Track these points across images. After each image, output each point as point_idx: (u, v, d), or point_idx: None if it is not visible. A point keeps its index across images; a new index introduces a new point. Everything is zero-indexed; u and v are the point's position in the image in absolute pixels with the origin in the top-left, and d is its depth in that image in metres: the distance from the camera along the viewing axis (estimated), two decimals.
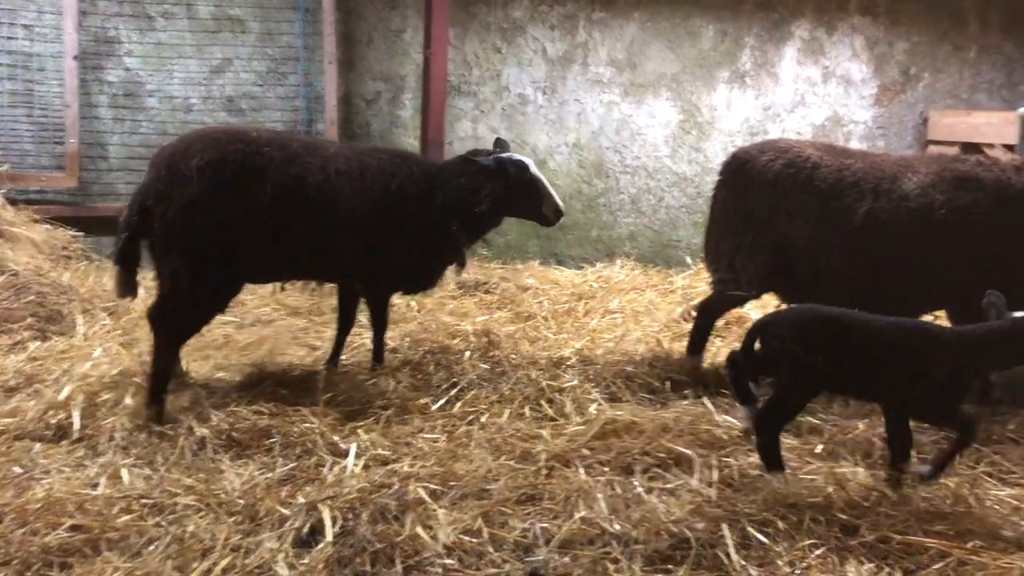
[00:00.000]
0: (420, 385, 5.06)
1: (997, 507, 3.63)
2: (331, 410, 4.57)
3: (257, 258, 4.69)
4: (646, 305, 7.36)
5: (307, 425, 4.32)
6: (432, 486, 3.71)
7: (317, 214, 4.77)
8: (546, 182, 5.23)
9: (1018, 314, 3.74)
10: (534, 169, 5.20)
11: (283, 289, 5.74)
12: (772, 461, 3.80)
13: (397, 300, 7.18)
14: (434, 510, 3.51)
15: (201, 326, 4.82)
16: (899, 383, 3.76)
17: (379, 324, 5.44)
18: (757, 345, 3.86)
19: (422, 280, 5.45)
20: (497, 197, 5.05)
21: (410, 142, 8.48)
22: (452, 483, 3.76)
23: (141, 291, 4.77)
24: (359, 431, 4.31)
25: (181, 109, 8.12)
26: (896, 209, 4.97)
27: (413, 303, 7.17)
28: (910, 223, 4.92)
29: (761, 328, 3.88)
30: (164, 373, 4.55)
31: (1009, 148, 8.17)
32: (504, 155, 5.15)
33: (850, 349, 3.74)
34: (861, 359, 3.75)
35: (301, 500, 3.55)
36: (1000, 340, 3.70)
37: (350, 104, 8.51)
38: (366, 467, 3.93)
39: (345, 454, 4.03)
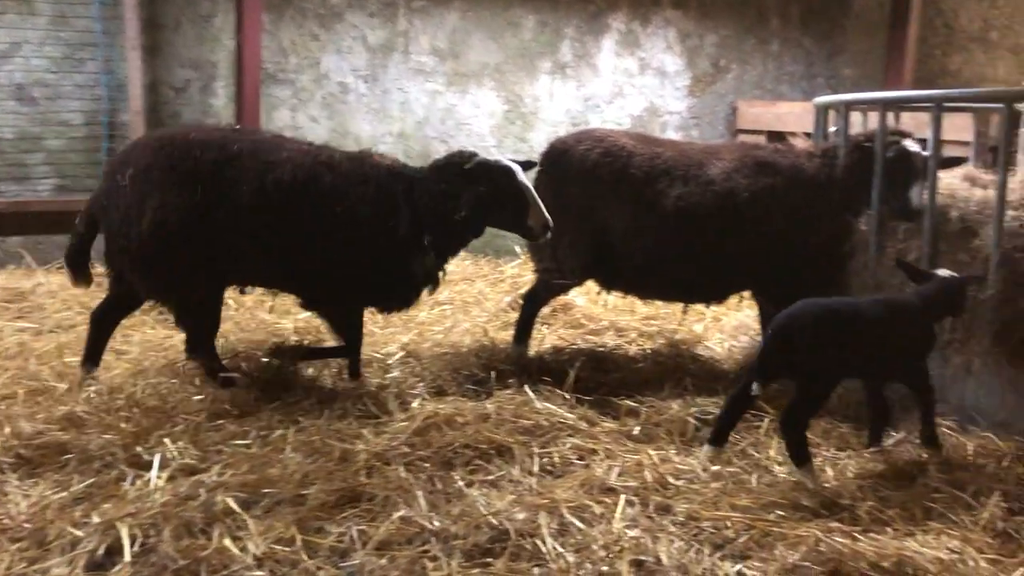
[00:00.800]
0: (235, 388, 4.82)
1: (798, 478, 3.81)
2: (136, 419, 4.27)
3: (203, 262, 4.69)
4: (476, 295, 7.36)
5: (107, 437, 4.02)
6: (243, 495, 3.53)
7: (248, 222, 4.66)
8: (533, 191, 4.74)
9: (942, 272, 4.14)
10: (521, 176, 4.73)
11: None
12: (802, 456, 3.77)
13: None
14: (245, 520, 3.34)
15: (211, 321, 4.92)
16: (897, 355, 4.07)
17: (351, 342, 5.06)
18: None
19: (389, 301, 5.09)
20: (479, 203, 4.63)
21: None
22: (265, 490, 3.59)
23: None
24: (166, 441, 4.04)
25: None
26: (704, 194, 5.17)
27: (231, 301, 6.87)
28: (717, 207, 5.13)
29: (781, 331, 3.87)
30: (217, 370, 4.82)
31: (810, 136, 8.69)
32: (488, 159, 4.75)
33: (860, 333, 3.91)
34: (869, 341, 3.94)
35: (96, 519, 3.28)
36: (935, 298, 4.08)
37: (157, 92, 8.02)
38: (171, 479, 3.69)
39: (149, 467, 3.76)
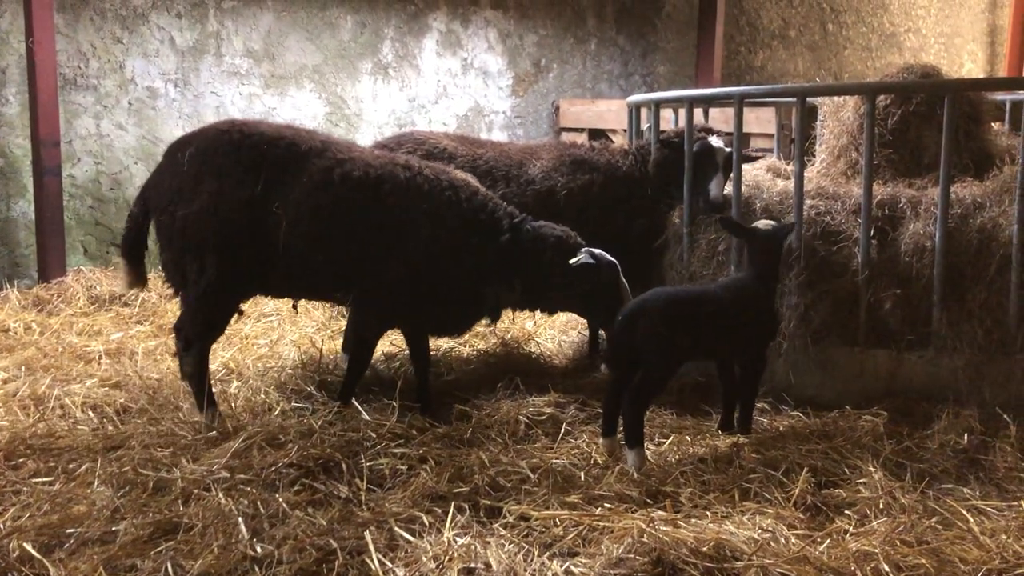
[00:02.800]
0: (37, 421, 4.45)
1: (628, 469, 3.89)
2: None
3: (249, 257, 4.40)
4: (303, 304, 7.14)
5: None
6: (43, 538, 3.25)
7: (304, 217, 4.39)
8: (627, 288, 4.54)
9: (761, 224, 4.39)
10: (621, 276, 4.55)
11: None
12: (637, 438, 3.93)
13: (15, 322, 6.37)
14: (45, 566, 3.07)
15: (219, 323, 4.61)
16: (741, 337, 4.25)
17: (418, 360, 4.82)
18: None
19: (444, 324, 4.78)
20: (581, 289, 4.52)
21: (19, 142, 7.50)
22: (70, 530, 3.32)
23: None
24: None
25: None
26: (525, 192, 5.26)
27: (34, 324, 6.37)
28: (537, 204, 5.21)
29: (629, 317, 4.03)
30: (195, 377, 4.49)
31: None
32: (598, 252, 4.49)
33: (704, 318, 4.10)
34: (716, 324, 4.14)
35: None
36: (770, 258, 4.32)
37: None
38: None
39: None
